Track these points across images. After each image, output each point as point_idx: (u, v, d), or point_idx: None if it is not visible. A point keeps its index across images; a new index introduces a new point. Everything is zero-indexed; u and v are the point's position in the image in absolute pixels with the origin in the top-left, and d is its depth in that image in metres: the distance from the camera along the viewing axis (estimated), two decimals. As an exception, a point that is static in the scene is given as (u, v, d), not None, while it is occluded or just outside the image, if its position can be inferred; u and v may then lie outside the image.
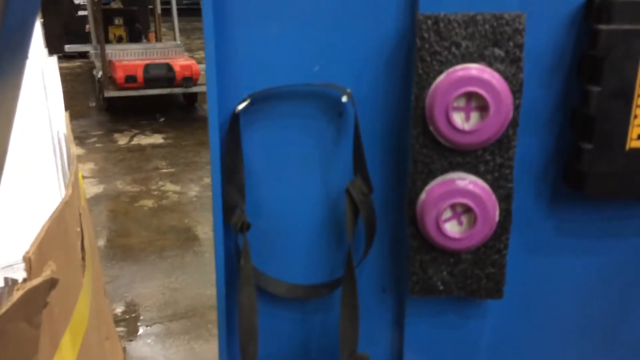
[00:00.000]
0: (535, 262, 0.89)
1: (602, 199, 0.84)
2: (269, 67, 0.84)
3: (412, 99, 0.79)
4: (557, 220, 0.87)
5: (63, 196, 1.16)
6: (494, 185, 0.80)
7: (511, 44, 0.76)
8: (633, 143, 0.76)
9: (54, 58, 1.75)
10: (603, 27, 0.75)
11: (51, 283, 0.84)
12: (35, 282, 0.81)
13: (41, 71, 1.62)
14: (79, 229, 1.26)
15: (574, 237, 0.87)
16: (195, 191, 3.99)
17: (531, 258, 0.89)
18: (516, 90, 0.77)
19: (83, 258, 1.30)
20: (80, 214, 1.34)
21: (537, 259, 0.89)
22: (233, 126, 0.85)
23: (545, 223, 0.87)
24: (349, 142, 0.86)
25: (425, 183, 0.81)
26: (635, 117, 0.76)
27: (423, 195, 0.81)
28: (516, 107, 0.77)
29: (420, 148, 0.80)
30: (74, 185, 1.26)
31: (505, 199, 0.80)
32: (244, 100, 0.83)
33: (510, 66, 0.76)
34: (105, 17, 6.22)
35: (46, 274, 0.84)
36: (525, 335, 0.92)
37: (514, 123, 0.77)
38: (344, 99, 0.82)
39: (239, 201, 0.88)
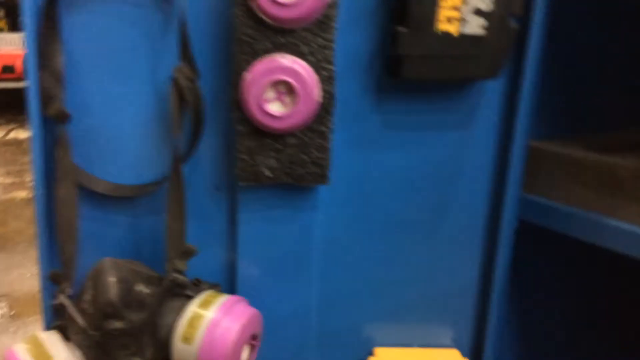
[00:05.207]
0: (363, 155, 0.91)
1: (417, 81, 0.87)
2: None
3: (234, -22, 0.79)
4: (382, 114, 0.89)
5: None
6: (316, 67, 0.81)
7: None
8: (442, 25, 0.80)
9: None
10: None
11: None
12: None
13: None
14: None
15: (398, 130, 0.90)
16: (74, 182, 3.77)
17: (358, 151, 0.90)
18: (335, -29, 0.79)
19: None
20: None
21: (364, 152, 0.90)
22: (50, 5, 0.80)
23: (371, 117, 0.89)
24: (176, 31, 0.84)
25: (249, 63, 0.80)
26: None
27: (247, 76, 0.80)
28: (335, -11, 0.79)
29: (244, 28, 0.79)
30: None
31: (327, 80, 0.81)
32: (61, -21, 0.79)
33: (328, -54, 0.78)
34: (-17, 7, 5.77)
35: None
36: (352, 229, 0.94)
37: (332, 3, 0.79)
38: (167, -21, 0.80)
39: (57, 90, 0.82)
